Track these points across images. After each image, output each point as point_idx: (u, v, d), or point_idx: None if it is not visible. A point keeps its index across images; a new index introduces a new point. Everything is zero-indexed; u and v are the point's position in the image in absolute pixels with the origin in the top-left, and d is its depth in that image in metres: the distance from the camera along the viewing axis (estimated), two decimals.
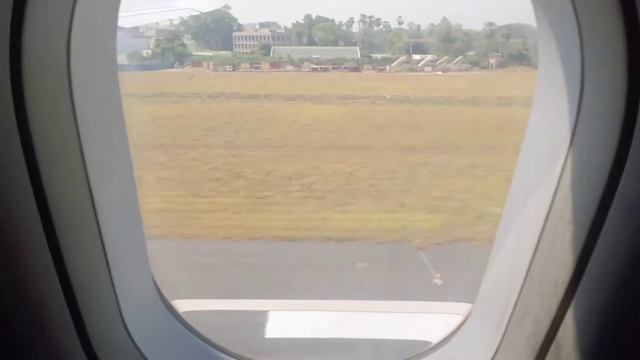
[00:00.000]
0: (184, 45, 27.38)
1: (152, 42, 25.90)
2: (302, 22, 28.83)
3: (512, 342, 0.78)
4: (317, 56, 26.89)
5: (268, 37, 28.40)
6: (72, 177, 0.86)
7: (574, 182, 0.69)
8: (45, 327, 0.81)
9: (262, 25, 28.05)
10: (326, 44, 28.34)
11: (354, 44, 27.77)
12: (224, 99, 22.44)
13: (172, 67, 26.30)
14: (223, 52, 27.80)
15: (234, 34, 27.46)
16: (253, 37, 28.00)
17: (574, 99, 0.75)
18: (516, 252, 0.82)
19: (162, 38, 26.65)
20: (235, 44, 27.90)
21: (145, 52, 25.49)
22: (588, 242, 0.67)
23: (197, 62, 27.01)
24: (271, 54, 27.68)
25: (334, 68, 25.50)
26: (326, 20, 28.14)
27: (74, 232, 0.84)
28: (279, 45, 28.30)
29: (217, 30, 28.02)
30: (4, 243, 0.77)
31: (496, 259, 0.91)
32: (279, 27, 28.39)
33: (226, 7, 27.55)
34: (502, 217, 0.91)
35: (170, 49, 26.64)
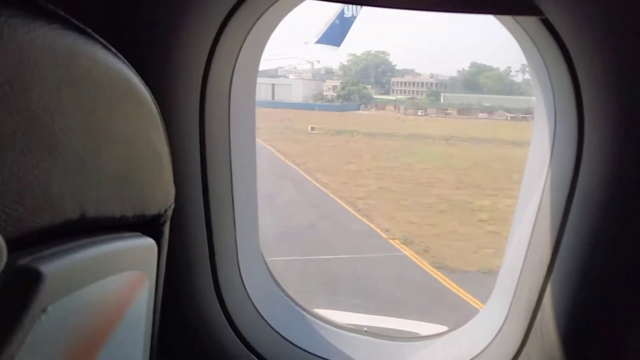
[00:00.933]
0: (366, 88, 28.88)
1: (326, 84, 27.85)
2: (468, 69, 28.71)
3: (513, 318, 0.94)
4: (489, 104, 26.44)
5: (430, 83, 28.78)
6: (221, 187, 1.07)
7: (552, 182, 0.88)
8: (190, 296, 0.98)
9: (415, 72, 28.63)
10: (492, 92, 27.75)
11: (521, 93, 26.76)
12: (478, 143, 22.50)
13: (358, 109, 27.91)
14: (387, 96, 28.85)
15: (393, 79, 28.45)
16: (412, 82, 28.62)
17: (552, 122, 0.95)
18: (520, 241, 0.99)
19: (345, 81, 28.44)
20: (393, 89, 28.85)
21: (329, 94, 27.45)
22: (561, 227, 0.83)
23: (381, 105, 28.31)
24: (441, 100, 27.95)
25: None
26: (490, 68, 27.70)
27: (220, 230, 1.04)
28: (445, 92, 28.49)
29: (376, 74, 29.21)
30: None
31: (508, 251, 1.09)
32: (440, 75, 28.60)
33: (384, 53, 28.63)
34: (515, 212, 1.10)
35: (355, 91, 28.28)
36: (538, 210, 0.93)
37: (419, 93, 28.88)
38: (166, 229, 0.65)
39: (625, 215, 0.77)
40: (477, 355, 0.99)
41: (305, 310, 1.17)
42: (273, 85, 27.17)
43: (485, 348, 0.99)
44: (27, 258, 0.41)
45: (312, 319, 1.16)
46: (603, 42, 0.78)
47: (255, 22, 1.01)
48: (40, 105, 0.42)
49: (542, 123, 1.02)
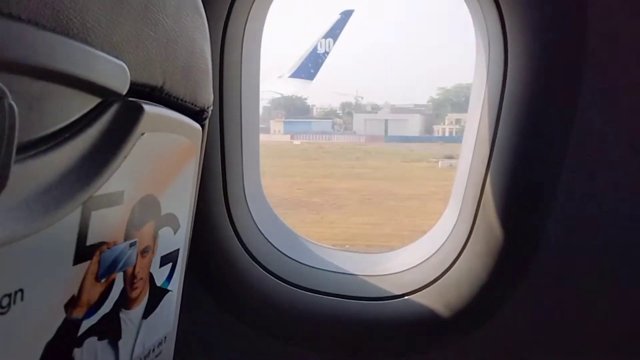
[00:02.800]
0: None
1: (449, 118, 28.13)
2: None
3: (464, 212, 1.08)
4: None
5: None
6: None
7: (488, 95, 1.05)
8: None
9: None
10: None
11: None
12: None
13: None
14: None
15: None
16: None
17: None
18: (467, 148, 1.13)
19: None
20: None
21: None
22: (496, 125, 1.00)
23: None
24: None
25: None
26: None
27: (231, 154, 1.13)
28: None
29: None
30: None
31: (460, 161, 1.20)
32: None
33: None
34: (465, 127, 1.24)
35: None
36: (479, 120, 1.11)
37: None
38: (206, 126, 0.80)
39: (545, 106, 0.96)
40: (440, 247, 1.17)
41: (296, 233, 1.35)
42: (386, 121, 27.54)
43: (444, 243, 1.17)
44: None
45: (304, 239, 1.34)
46: None
47: None
48: None
49: (479, 61, 1.21)
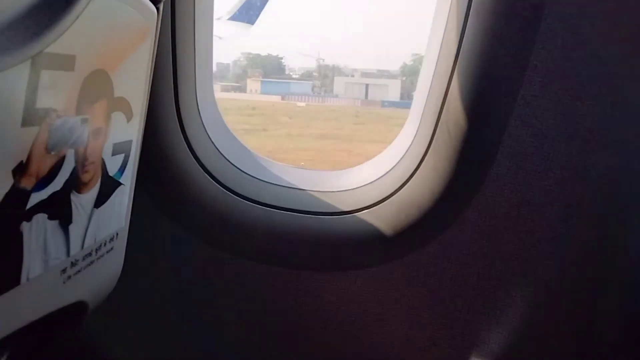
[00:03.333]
0: None
1: None
2: None
3: (424, 123, 1.10)
4: None
5: None
6: None
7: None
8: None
9: None
10: None
11: None
12: None
13: None
14: None
15: None
16: None
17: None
18: (430, 58, 1.13)
19: None
20: None
21: None
22: (461, 36, 1.02)
23: None
24: None
25: None
26: None
27: (183, 62, 1.08)
28: None
29: None
30: None
31: (422, 71, 1.20)
32: None
33: None
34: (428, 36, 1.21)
35: None
36: (445, 29, 1.09)
37: None
38: (160, 10, 0.74)
39: (511, 13, 0.95)
40: (397, 163, 1.18)
41: (249, 149, 1.31)
42: (367, 85, 26.48)
43: (403, 156, 1.17)
44: None
45: (260, 156, 1.31)
46: None
47: None
48: None
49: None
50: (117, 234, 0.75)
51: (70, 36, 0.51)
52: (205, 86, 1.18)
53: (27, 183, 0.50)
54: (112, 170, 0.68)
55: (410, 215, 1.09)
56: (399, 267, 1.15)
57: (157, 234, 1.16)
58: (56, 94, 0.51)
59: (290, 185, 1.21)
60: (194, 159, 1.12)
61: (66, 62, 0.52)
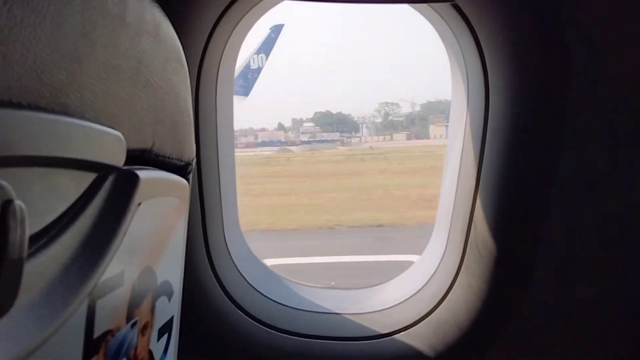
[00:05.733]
0: None
1: None
2: None
3: (453, 241, 1.08)
4: None
5: None
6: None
7: (471, 128, 1.06)
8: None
9: None
10: None
11: None
12: None
13: None
14: None
15: None
16: None
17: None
18: (451, 179, 1.14)
19: None
20: None
21: None
22: (480, 159, 1.02)
23: None
24: None
25: None
26: None
27: (210, 201, 1.11)
28: None
29: None
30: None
31: (443, 189, 1.21)
32: None
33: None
34: (445, 156, 1.23)
35: None
36: (462, 150, 1.12)
37: None
38: (190, 179, 0.75)
39: (529, 139, 0.98)
40: (429, 279, 1.16)
41: (279, 275, 1.30)
42: None
43: (435, 272, 1.16)
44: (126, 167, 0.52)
45: (284, 280, 1.30)
46: (500, 18, 1.02)
47: (236, 25, 1.16)
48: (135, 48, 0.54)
49: (457, 87, 1.24)
50: None
51: (118, 255, 0.51)
52: (232, 219, 1.19)
53: None
54: (157, 355, 0.67)
55: (449, 335, 1.07)
56: None
57: None
58: (110, 315, 0.51)
59: (325, 310, 1.19)
60: (223, 293, 1.11)
61: (116, 281, 0.52)
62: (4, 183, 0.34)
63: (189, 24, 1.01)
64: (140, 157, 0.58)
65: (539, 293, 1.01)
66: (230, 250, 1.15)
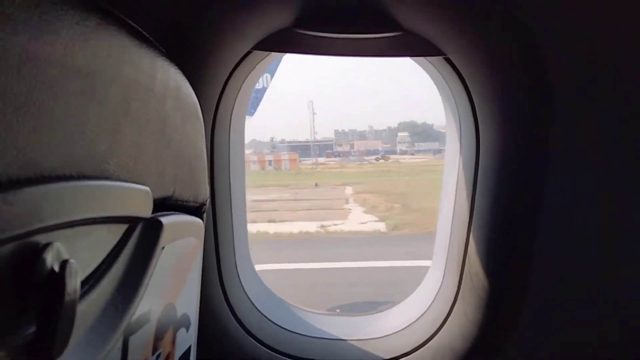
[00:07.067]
0: None
1: None
2: None
3: (449, 272, 1.15)
4: None
5: None
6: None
7: (463, 168, 1.13)
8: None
9: None
10: None
11: None
12: None
13: None
14: None
15: None
16: None
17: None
18: (446, 213, 1.21)
19: None
20: None
21: None
22: (472, 195, 1.09)
23: None
24: None
25: None
26: None
27: (223, 236, 1.18)
28: None
29: None
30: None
31: (439, 222, 1.27)
32: None
33: None
34: (441, 192, 1.31)
35: None
36: (456, 187, 1.19)
37: None
38: (204, 219, 0.82)
39: (513, 183, 1.05)
40: (428, 307, 1.23)
41: (287, 303, 1.37)
42: None
43: (433, 301, 1.23)
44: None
45: (294, 308, 1.36)
46: (488, 71, 1.11)
47: (247, 76, 1.25)
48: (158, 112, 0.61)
49: (451, 127, 1.31)
50: None
51: (146, 296, 0.58)
52: (243, 252, 1.26)
53: None
54: None
55: (452, 357, 1.12)
56: None
57: None
58: (140, 348, 0.57)
59: (332, 337, 1.25)
60: (237, 324, 1.18)
61: (145, 318, 0.58)
62: (59, 245, 0.41)
63: (205, 78, 1.09)
64: (163, 203, 0.65)
65: (531, 322, 1.07)
66: (242, 281, 1.22)
